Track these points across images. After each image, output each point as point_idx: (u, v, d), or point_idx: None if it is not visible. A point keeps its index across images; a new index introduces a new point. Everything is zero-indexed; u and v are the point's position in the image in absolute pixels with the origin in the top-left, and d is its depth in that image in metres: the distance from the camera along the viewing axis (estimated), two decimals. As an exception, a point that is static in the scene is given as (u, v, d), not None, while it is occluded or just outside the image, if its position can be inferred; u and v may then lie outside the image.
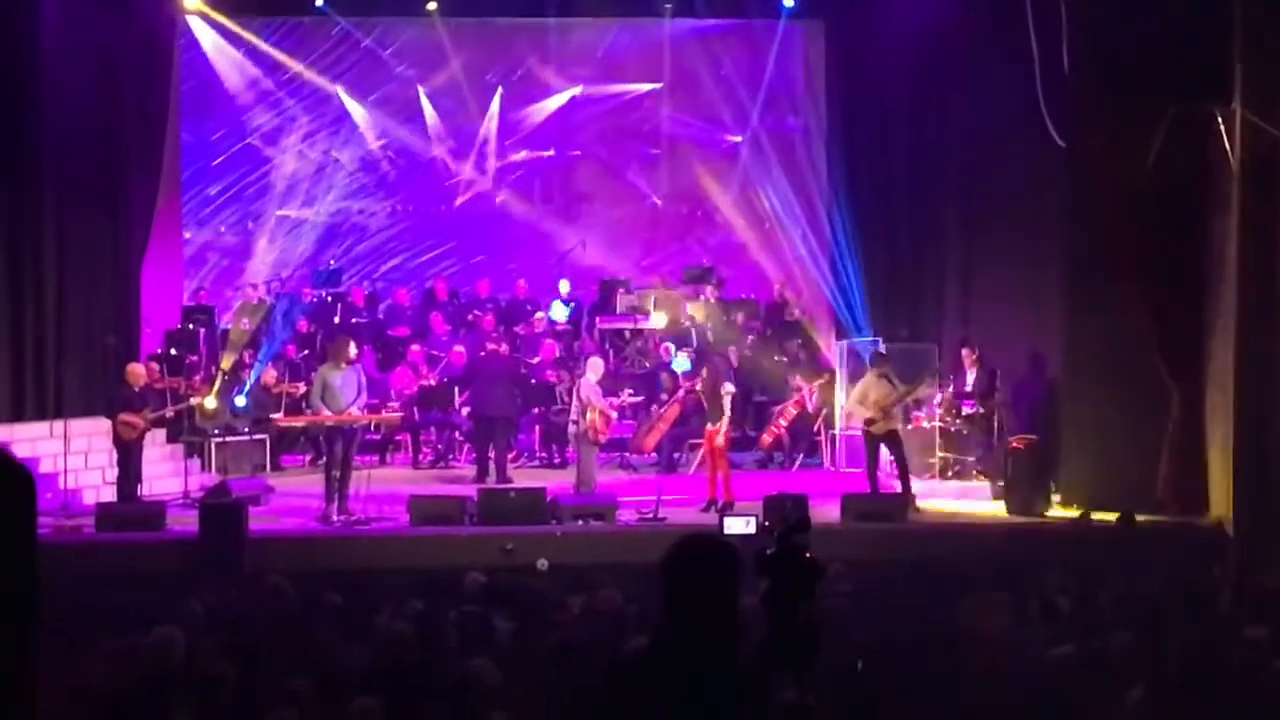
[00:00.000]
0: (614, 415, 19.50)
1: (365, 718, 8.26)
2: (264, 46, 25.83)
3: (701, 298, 25.61)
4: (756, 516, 16.18)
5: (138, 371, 19.15)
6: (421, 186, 27.41)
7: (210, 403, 21.27)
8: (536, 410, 22.75)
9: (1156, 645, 10.25)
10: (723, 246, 26.94)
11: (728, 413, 18.80)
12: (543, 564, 15.95)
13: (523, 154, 27.55)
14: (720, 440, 18.74)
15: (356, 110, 26.57)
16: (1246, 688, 9.22)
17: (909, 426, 20.23)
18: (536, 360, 23.31)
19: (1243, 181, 16.54)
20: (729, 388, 19.04)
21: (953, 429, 20.74)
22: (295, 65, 26.10)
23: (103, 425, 19.06)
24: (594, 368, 19.57)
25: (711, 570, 4.89)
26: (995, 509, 18.64)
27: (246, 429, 21.73)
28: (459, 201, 27.34)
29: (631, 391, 22.01)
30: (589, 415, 18.90)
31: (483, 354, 21.89)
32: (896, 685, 8.74)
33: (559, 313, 25.14)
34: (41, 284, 20.53)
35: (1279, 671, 9.28)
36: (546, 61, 26.91)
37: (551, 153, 27.61)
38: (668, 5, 25.49)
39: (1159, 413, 17.95)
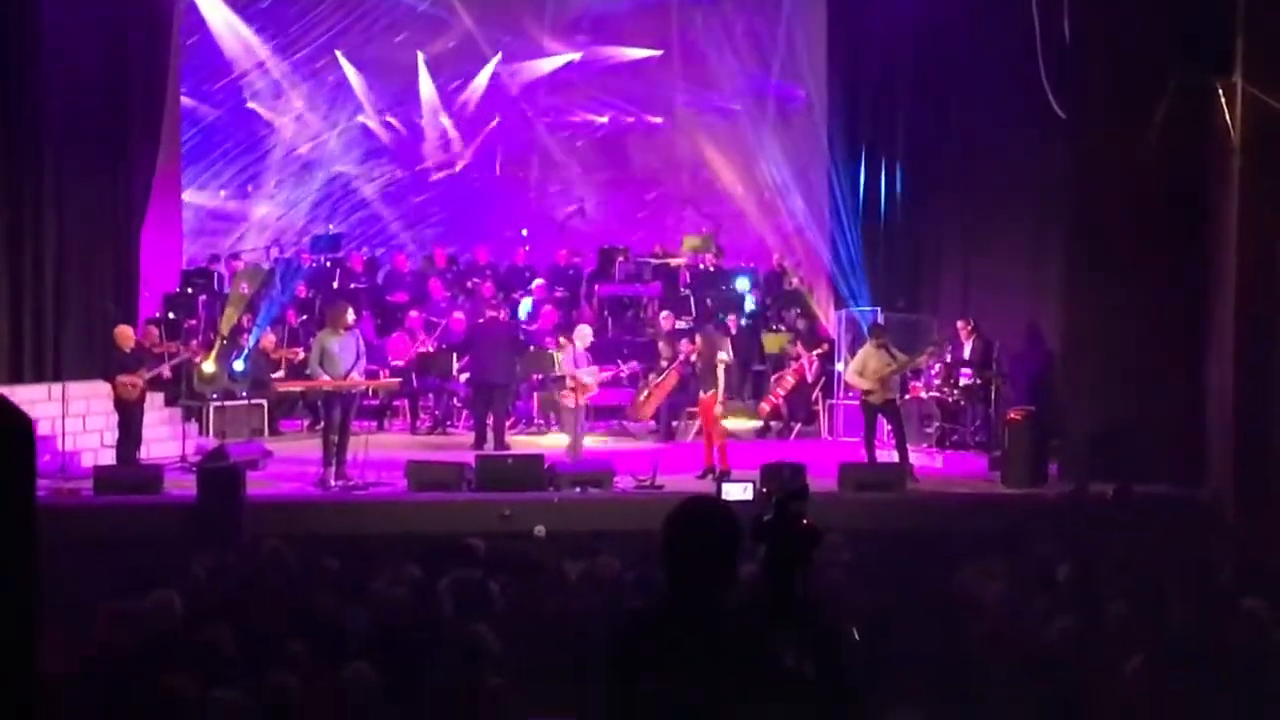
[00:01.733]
0: (590, 380, 19.37)
1: (362, 683, 8.27)
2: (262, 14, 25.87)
3: (701, 265, 25.62)
4: (754, 483, 16.20)
5: (126, 333, 19.14)
6: (420, 152, 27.41)
7: (209, 367, 21.26)
8: (535, 377, 22.74)
9: (1154, 616, 10.27)
10: (722, 215, 26.92)
11: (722, 381, 18.82)
12: (540, 530, 15.94)
13: (522, 120, 27.55)
14: (719, 409, 18.80)
15: (354, 77, 26.53)
16: (1244, 659, 9.24)
17: (906, 397, 20.22)
18: (535, 327, 23.31)
19: (1244, 154, 16.53)
20: (723, 357, 19.04)
21: (950, 400, 20.73)
22: (294, 30, 26.09)
23: (101, 388, 19.07)
24: (580, 336, 19.55)
25: (712, 533, 4.91)
26: (992, 480, 18.64)
27: (245, 393, 21.72)
28: (459, 166, 27.34)
29: (634, 362, 21.91)
30: (567, 383, 19.07)
31: (481, 321, 21.90)
32: (893, 654, 8.76)
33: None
34: (41, 246, 20.49)
35: (1278, 642, 9.29)
36: (547, 27, 26.88)
37: (549, 119, 27.61)
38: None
39: (1157, 384, 17.96)
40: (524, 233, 26.88)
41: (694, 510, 5.04)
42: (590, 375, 19.32)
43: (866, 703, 5.39)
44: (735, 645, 4.81)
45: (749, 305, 24.81)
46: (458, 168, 27.43)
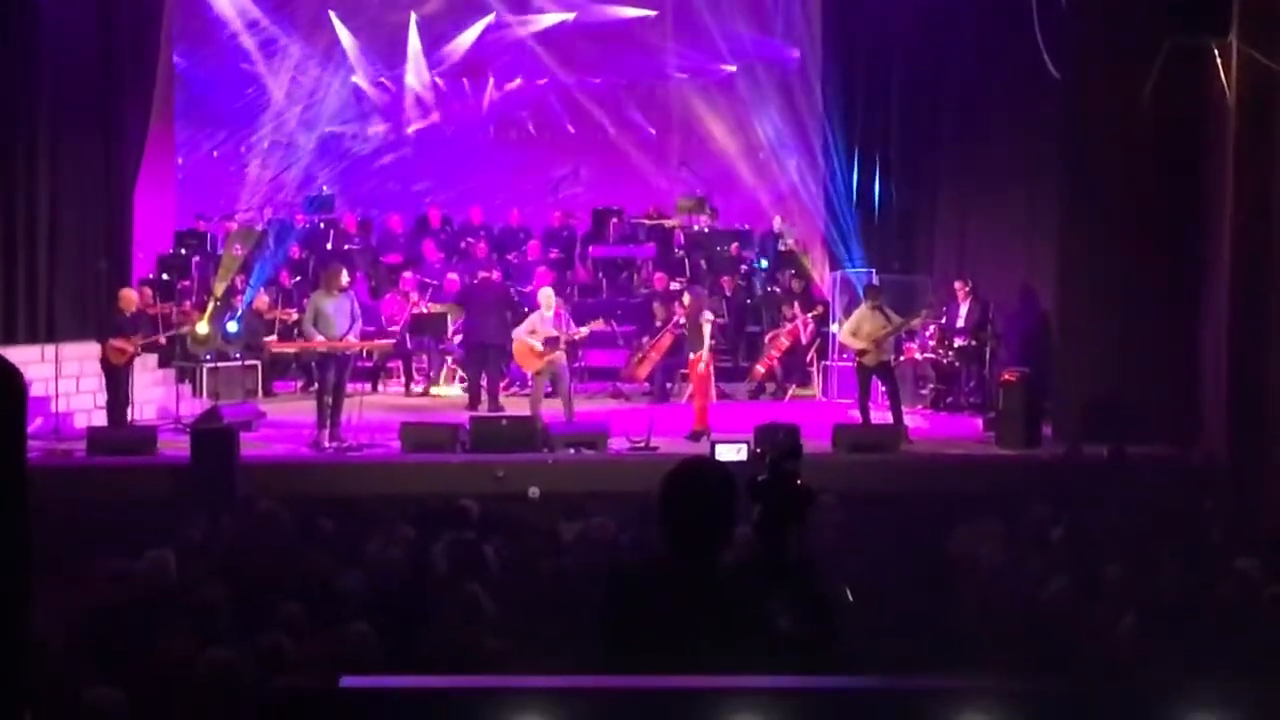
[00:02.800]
0: (537, 345, 19.30)
1: (359, 643, 8.28)
2: None
3: (695, 227, 25.61)
4: (748, 444, 16.21)
5: (130, 297, 19.11)
6: (416, 113, 27.35)
7: (202, 328, 21.23)
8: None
9: (1147, 576, 10.29)
10: (717, 176, 26.86)
11: (708, 341, 18.80)
12: (534, 492, 15.96)
13: (516, 82, 27.48)
14: (702, 368, 18.77)
15: (347, 38, 26.43)
16: (1237, 618, 9.26)
17: (901, 359, 20.23)
18: (529, 288, 23.26)
19: (1239, 114, 16.49)
20: (708, 316, 19.03)
21: (945, 361, 20.74)
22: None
23: (95, 350, 19.03)
24: (544, 300, 19.54)
25: (710, 494, 4.93)
26: (986, 441, 18.66)
27: (238, 355, 21.70)
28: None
29: (599, 320, 21.69)
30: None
31: (475, 281, 21.88)
32: (887, 614, 8.77)
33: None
34: (34, 207, 20.42)
35: (1269, 601, 9.32)
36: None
37: (542, 80, 27.55)
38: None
39: (1152, 345, 17.97)
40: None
41: (692, 472, 5.06)
42: (544, 339, 19.21)
43: (859, 663, 5.39)
44: (729, 605, 4.83)
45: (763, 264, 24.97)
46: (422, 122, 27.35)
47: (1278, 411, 16.22)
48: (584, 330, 19.72)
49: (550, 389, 19.42)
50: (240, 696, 7.53)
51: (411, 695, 3.09)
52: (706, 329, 18.81)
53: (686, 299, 19.31)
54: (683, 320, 19.41)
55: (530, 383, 20.45)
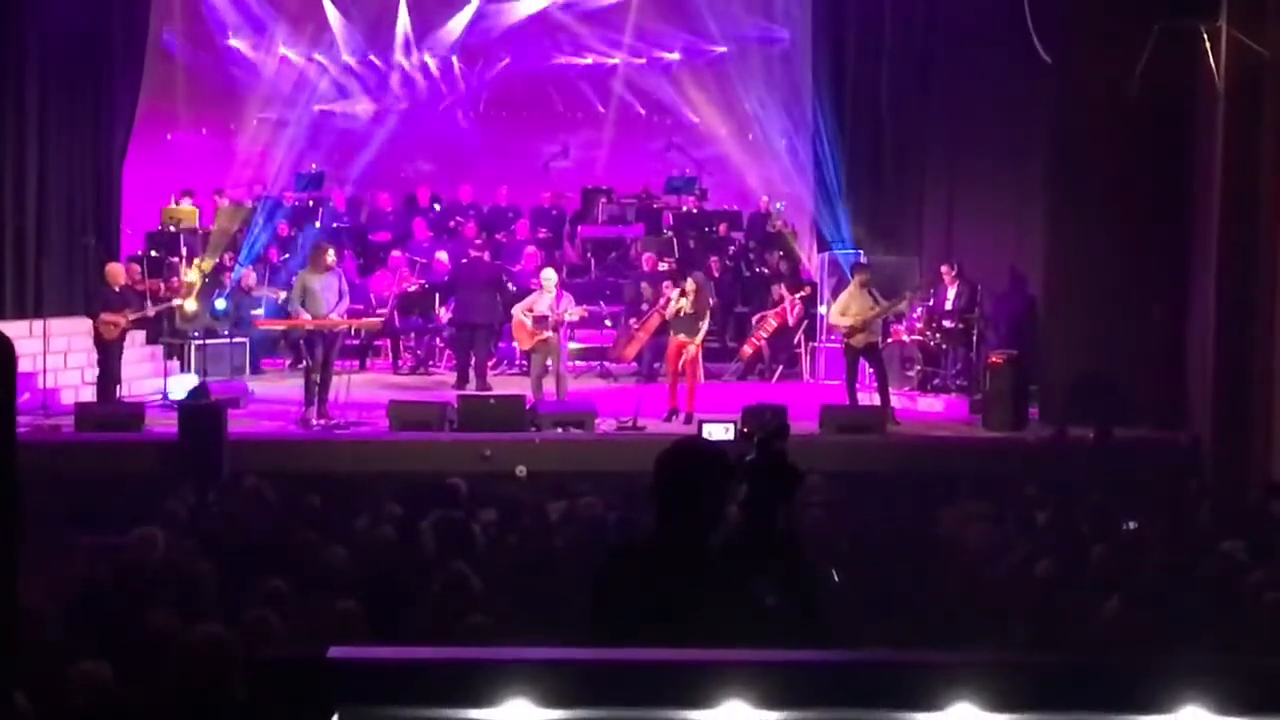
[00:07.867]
0: (529, 322, 19.30)
1: (346, 620, 8.29)
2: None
3: (684, 208, 25.58)
4: (735, 424, 16.22)
5: (117, 271, 19.08)
6: (405, 91, 27.30)
7: (190, 305, 21.18)
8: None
9: (1132, 558, 10.33)
10: (707, 157, 26.83)
11: (704, 328, 18.77)
12: (521, 470, 15.98)
13: (505, 61, 27.42)
14: (692, 350, 18.73)
15: (335, 16, 26.32)
16: (1222, 599, 9.29)
17: (888, 340, 20.22)
18: (518, 268, 23.24)
19: (1228, 99, 16.52)
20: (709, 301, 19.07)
21: (932, 343, 20.75)
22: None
23: (83, 325, 19.00)
24: (546, 280, 19.52)
25: (703, 474, 4.95)
26: (973, 423, 18.68)
27: (226, 332, 21.65)
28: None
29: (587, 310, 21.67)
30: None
31: (465, 261, 21.87)
32: (873, 594, 8.80)
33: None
34: (22, 181, 20.41)
35: (1255, 584, 9.36)
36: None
37: (533, 60, 27.49)
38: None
39: (1138, 328, 18.01)
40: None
41: (685, 452, 5.07)
42: (535, 317, 19.23)
43: (845, 642, 5.41)
44: (717, 583, 4.84)
45: None
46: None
47: (1263, 394, 16.27)
48: (573, 313, 19.60)
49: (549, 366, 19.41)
50: (227, 672, 7.53)
51: (399, 666, 3.10)
52: (706, 317, 18.79)
53: (691, 285, 18.84)
54: (683, 300, 18.88)
55: (520, 362, 20.38)
